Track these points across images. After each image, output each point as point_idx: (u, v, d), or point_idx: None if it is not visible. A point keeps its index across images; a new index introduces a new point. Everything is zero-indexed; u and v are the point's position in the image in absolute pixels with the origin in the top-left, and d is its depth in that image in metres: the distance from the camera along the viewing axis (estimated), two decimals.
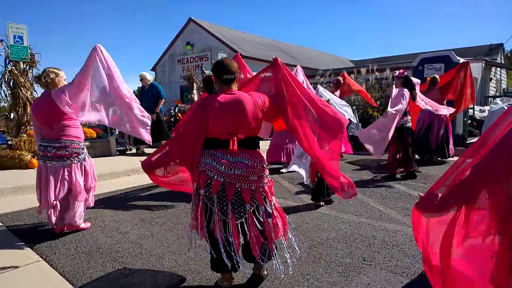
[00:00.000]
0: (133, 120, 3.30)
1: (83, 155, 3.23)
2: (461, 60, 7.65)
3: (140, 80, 7.42)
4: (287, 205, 3.99)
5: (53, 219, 3.11)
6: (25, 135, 6.32)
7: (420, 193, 1.56)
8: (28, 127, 6.44)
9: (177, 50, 19.46)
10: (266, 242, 2.13)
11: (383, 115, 4.87)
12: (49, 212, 3.10)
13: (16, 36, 6.40)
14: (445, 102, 6.04)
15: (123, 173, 5.77)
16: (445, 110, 5.25)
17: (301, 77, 4.77)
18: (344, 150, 6.91)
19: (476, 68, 10.36)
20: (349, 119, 5.04)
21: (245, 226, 2.06)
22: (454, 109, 5.81)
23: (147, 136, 3.35)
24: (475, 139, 8.58)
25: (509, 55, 28.41)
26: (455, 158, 6.27)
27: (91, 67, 3.07)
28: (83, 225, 3.31)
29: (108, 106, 3.22)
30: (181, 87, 18.14)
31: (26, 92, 6.44)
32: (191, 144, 2.09)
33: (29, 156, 5.86)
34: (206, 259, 2.57)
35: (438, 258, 1.39)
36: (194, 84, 10.00)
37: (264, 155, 2.39)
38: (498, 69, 15.60)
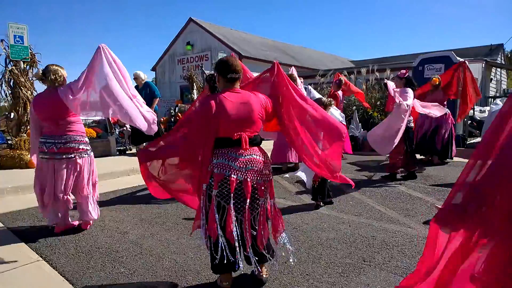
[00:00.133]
0: (134, 114, 3.29)
1: (89, 150, 3.31)
2: (461, 60, 7.66)
3: (134, 79, 7.38)
4: (287, 205, 3.99)
5: (54, 217, 3.14)
6: (25, 135, 6.31)
7: (437, 205, 1.46)
8: (28, 127, 6.44)
9: (177, 50, 19.46)
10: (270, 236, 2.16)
11: (395, 107, 4.65)
12: (48, 210, 3.14)
13: (17, 36, 6.40)
14: (445, 102, 6.04)
15: (123, 173, 5.77)
16: (438, 112, 5.23)
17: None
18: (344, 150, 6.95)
19: (476, 69, 10.35)
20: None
21: (256, 220, 2.10)
22: (447, 110, 5.82)
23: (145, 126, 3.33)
24: (475, 140, 8.59)
25: (509, 55, 28.42)
26: (456, 159, 6.28)
27: (96, 65, 3.11)
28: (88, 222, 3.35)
29: (111, 104, 3.20)
30: (181, 87, 18.15)
31: (27, 92, 6.44)
32: (202, 144, 2.06)
33: (29, 155, 5.85)
34: (206, 259, 2.57)
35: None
36: (194, 84, 9.99)
37: (269, 154, 2.39)
38: (498, 69, 15.60)
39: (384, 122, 4.88)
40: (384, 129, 4.72)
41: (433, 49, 13.35)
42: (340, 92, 7.13)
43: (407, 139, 4.92)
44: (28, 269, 2.55)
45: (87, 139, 3.33)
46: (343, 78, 7.31)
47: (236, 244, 1.99)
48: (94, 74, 3.10)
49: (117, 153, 7.58)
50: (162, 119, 10.22)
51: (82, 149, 3.21)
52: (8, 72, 6.35)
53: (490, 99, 11.78)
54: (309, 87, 5.22)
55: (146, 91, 7.23)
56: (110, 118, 7.89)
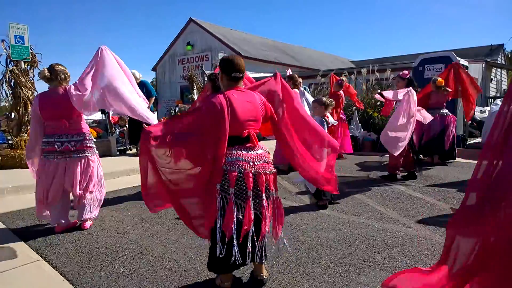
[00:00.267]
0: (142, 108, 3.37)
1: (95, 147, 3.41)
2: (461, 60, 7.66)
3: None
4: (287, 205, 3.99)
5: (58, 217, 3.19)
6: (25, 135, 6.32)
7: (453, 207, 1.43)
8: (29, 127, 6.45)
9: (177, 50, 19.48)
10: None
11: (398, 101, 4.55)
12: (51, 210, 3.19)
13: (17, 36, 6.42)
14: (445, 103, 6.06)
15: (123, 172, 5.78)
16: (428, 116, 5.21)
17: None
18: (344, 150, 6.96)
19: (476, 69, 10.34)
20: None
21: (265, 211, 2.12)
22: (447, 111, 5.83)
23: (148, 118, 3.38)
24: (475, 140, 8.59)
25: (509, 55, 28.38)
26: (456, 160, 6.28)
27: (100, 65, 3.17)
28: (88, 223, 3.37)
29: (112, 102, 3.24)
30: (182, 87, 18.17)
31: (27, 92, 6.45)
32: (213, 143, 2.01)
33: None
34: (206, 259, 2.57)
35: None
36: (195, 84, 10.00)
37: (271, 155, 2.42)
38: (499, 70, 15.59)
39: (393, 124, 4.65)
40: (395, 124, 4.53)
41: (433, 49, 13.37)
42: (341, 92, 7.16)
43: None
44: (28, 269, 2.56)
45: (92, 137, 3.44)
46: (345, 78, 7.37)
47: (249, 241, 2.01)
48: (99, 74, 3.15)
49: (118, 153, 7.59)
50: (162, 119, 10.22)
51: (91, 146, 3.34)
52: (9, 72, 6.36)
53: (490, 99, 11.77)
54: (302, 88, 5.18)
55: (142, 90, 7.20)
56: (111, 118, 7.92)
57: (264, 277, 2.25)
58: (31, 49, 6.60)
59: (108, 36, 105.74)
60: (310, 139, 2.44)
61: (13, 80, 6.42)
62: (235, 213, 1.99)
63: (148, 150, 2.08)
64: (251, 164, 2.06)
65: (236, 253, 1.97)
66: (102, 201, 3.46)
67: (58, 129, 3.15)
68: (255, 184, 2.06)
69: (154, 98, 7.26)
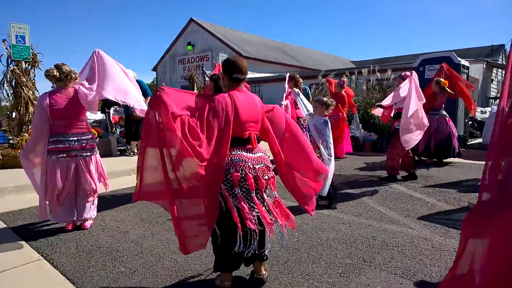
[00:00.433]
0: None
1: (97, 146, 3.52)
2: (462, 61, 7.67)
3: None
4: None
5: (66, 215, 3.25)
6: (26, 135, 6.33)
7: (471, 202, 1.34)
8: (29, 126, 6.46)
9: (178, 50, 19.50)
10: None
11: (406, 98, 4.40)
12: (59, 209, 3.23)
13: (18, 36, 6.43)
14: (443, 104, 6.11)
15: (124, 172, 5.78)
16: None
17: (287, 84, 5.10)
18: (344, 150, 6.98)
19: (477, 69, 10.35)
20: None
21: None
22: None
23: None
24: (476, 141, 8.59)
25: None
26: (456, 160, 6.28)
27: (100, 65, 3.29)
28: (88, 222, 3.40)
29: (114, 91, 3.32)
30: (182, 87, 18.13)
31: (28, 92, 6.46)
32: (218, 144, 1.99)
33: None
34: (206, 259, 2.58)
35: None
36: (195, 84, 10.00)
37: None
38: (500, 70, 15.58)
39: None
40: (411, 104, 4.35)
41: (434, 50, 13.36)
42: (344, 93, 7.17)
43: None
44: (29, 268, 2.56)
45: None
46: (346, 79, 7.43)
47: (253, 238, 2.03)
48: (101, 73, 3.26)
49: (118, 153, 7.59)
50: None
51: (95, 145, 3.45)
52: (10, 71, 6.37)
53: (491, 99, 11.78)
54: (296, 90, 5.13)
55: None
56: (111, 118, 7.92)
57: (264, 276, 2.26)
58: (32, 49, 6.62)
59: (109, 36, 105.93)
60: (300, 163, 2.33)
61: (14, 80, 6.43)
62: (246, 208, 2.00)
63: (161, 99, 1.87)
64: (251, 166, 2.06)
65: (255, 246, 2.02)
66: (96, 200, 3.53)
67: (68, 128, 3.18)
68: (256, 186, 2.08)
69: (150, 97, 7.22)
